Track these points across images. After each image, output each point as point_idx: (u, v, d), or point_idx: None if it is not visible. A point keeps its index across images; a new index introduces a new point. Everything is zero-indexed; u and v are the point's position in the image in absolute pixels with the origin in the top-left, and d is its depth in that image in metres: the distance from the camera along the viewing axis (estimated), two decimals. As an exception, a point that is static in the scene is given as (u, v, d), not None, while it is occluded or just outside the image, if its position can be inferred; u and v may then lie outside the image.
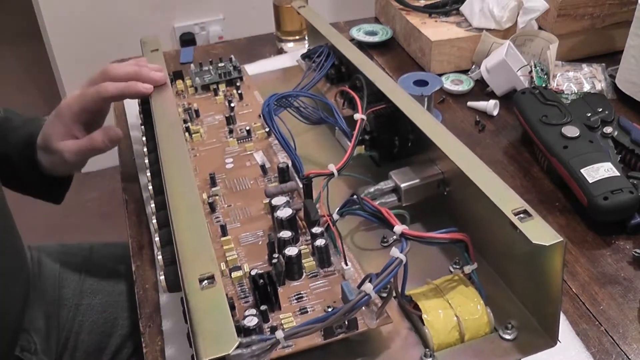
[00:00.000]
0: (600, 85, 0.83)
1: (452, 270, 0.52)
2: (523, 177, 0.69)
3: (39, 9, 1.71)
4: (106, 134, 0.65)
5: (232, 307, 0.44)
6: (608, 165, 0.61)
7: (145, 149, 0.62)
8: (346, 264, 0.48)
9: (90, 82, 0.66)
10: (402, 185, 0.56)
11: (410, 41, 0.94)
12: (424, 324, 0.45)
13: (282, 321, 0.45)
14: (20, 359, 0.69)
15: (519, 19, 0.87)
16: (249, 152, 0.64)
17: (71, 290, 0.77)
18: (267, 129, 0.66)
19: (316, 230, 0.50)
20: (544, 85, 0.80)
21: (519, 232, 0.43)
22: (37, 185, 0.72)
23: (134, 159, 0.76)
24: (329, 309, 0.44)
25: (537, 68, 0.82)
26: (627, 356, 0.50)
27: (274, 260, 0.48)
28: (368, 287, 0.41)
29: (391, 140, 0.62)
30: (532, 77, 0.81)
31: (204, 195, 0.57)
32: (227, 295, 0.41)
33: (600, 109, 0.70)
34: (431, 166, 0.57)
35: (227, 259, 0.50)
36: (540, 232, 0.42)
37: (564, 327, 0.51)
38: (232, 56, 0.80)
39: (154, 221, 0.53)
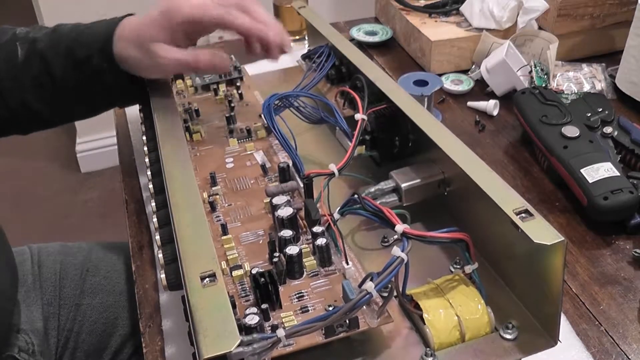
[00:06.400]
0: (600, 85, 0.83)
1: (452, 269, 0.52)
2: (523, 177, 0.69)
3: (39, 9, 1.71)
4: (214, 58, 0.61)
5: (233, 306, 0.44)
6: (608, 165, 0.61)
7: (145, 149, 0.62)
8: (347, 263, 0.48)
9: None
10: (403, 185, 0.56)
11: (410, 41, 0.94)
12: (424, 324, 0.45)
13: (283, 320, 0.45)
14: None
15: (519, 19, 0.87)
16: (249, 152, 0.64)
17: (71, 290, 0.76)
18: (267, 128, 0.66)
19: (317, 229, 0.50)
20: (544, 85, 0.81)
21: (520, 232, 0.43)
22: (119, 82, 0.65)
23: (134, 158, 0.76)
24: (330, 308, 0.44)
25: (537, 68, 0.82)
26: (627, 356, 0.50)
27: (275, 259, 0.48)
28: (369, 286, 0.41)
29: (392, 140, 0.62)
30: (532, 77, 0.81)
31: (205, 195, 0.57)
32: (228, 293, 0.41)
33: (600, 109, 0.70)
34: (432, 166, 0.57)
35: (228, 257, 0.50)
36: (541, 231, 0.42)
37: (564, 327, 0.51)
38: (232, 56, 0.80)
39: (155, 220, 0.53)
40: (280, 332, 0.40)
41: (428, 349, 0.45)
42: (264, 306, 0.44)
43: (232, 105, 0.71)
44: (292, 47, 0.66)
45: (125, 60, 0.63)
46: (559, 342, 0.45)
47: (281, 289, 0.47)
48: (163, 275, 0.47)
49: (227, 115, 0.68)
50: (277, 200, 0.53)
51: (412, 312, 0.47)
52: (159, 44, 0.61)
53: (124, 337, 0.77)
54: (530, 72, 0.82)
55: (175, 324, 0.54)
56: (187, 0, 0.61)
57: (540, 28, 0.88)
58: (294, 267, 0.48)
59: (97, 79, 0.64)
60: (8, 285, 0.68)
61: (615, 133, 0.68)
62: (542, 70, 0.82)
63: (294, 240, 0.50)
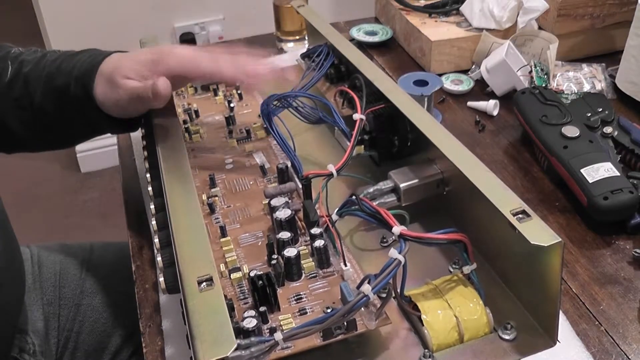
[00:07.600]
0: (600, 85, 0.83)
1: (451, 270, 0.52)
2: (523, 177, 0.69)
3: (39, 9, 1.71)
4: (155, 85, 0.56)
5: (232, 309, 0.43)
6: (608, 165, 0.61)
7: (144, 152, 0.62)
8: (345, 265, 0.48)
9: (207, 50, 0.60)
10: (402, 185, 0.56)
11: (410, 41, 0.94)
12: (423, 325, 0.45)
13: (281, 322, 0.45)
14: None
15: (519, 19, 0.86)
16: (248, 153, 0.63)
17: (71, 290, 0.76)
18: (266, 128, 0.66)
19: (315, 231, 0.50)
20: (544, 85, 0.80)
21: (518, 233, 0.42)
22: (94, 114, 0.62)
23: (134, 159, 0.76)
24: (328, 310, 0.44)
25: (537, 68, 0.82)
26: (627, 356, 0.50)
27: (273, 261, 0.48)
28: (366, 288, 0.41)
29: (390, 140, 0.62)
30: (532, 77, 0.81)
31: (204, 196, 0.57)
32: (226, 296, 0.41)
33: (600, 109, 0.70)
34: (430, 166, 0.57)
35: (227, 260, 0.50)
36: (538, 232, 0.42)
37: (564, 327, 0.51)
38: (232, 56, 0.80)
39: (154, 223, 0.53)
40: (278, 336, 0.40)
41: (427, 350, 0.45)
42: (262, 309, 0.44)
43: (232, 105, 0.71)
44: (292, 46, 0.66)
45: (100, 101, 0.60)
46: (558, 342, 0.45)
47: (279, 291, 0.47)
48: (162, 279, 0.47)
49: (226, 115, 0.68)
50: (275, 201, 0.53)
51: (411, 313, 0.47)
52: (124, 78, 0.58)
53: (124, 337, 0.77)
54: (530, 72, 0.82)
55: (175, 324, 0.54)
56: (180, 53, 0.59)
57: (540, 28, 0.88)
58: (292, 269, 0.48)
59: (76, 109, 0.62)
60: (16, 286, 0.68)
61: (615, 133, 0.67)
62: (542, 70, 0.82)
63: (292, 242, 0.50)
